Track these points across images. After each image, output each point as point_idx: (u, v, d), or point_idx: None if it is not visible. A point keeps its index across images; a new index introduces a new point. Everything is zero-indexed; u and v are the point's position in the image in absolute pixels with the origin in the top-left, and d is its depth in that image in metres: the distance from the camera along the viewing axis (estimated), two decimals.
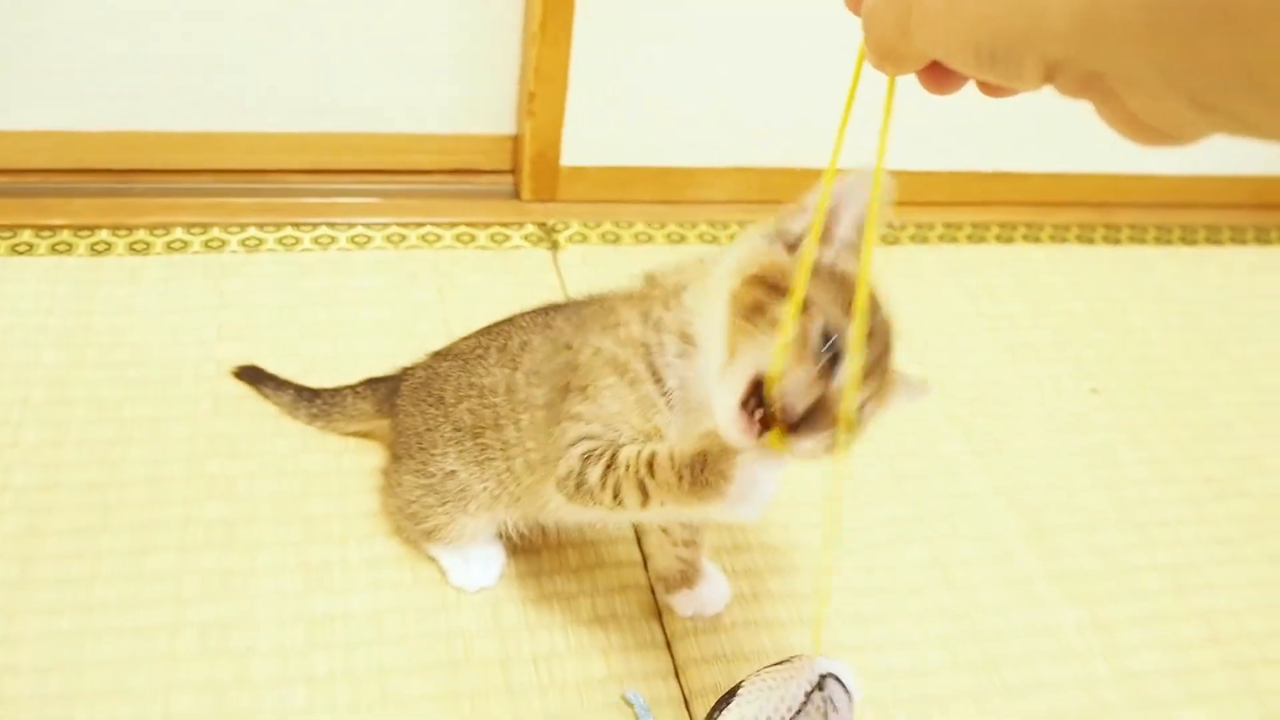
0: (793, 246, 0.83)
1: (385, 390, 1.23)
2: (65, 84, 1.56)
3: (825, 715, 0.87)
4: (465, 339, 1.15)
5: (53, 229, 1.53)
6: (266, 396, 1.31)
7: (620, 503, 0.87)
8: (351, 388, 1.26)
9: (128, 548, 1.14)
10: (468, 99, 1.70)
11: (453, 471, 1.08)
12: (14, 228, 1.53)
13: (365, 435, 1.29)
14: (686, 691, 1.08)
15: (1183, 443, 1.49)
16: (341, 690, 1.04)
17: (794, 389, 0.76)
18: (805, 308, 0.76)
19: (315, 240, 1.59)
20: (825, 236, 0.80)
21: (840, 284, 0.79)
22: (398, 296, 1.51)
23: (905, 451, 1.40)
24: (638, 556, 1.21)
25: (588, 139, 1.70)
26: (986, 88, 0.48)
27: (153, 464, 1.23)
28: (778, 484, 0.82)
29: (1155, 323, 1.71)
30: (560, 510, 1.00)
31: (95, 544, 1.13)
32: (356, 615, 1.11)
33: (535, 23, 1.57)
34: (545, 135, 1.67)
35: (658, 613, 1.15)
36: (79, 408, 1.28)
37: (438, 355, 1.17)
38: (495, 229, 1.67)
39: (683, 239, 1.72)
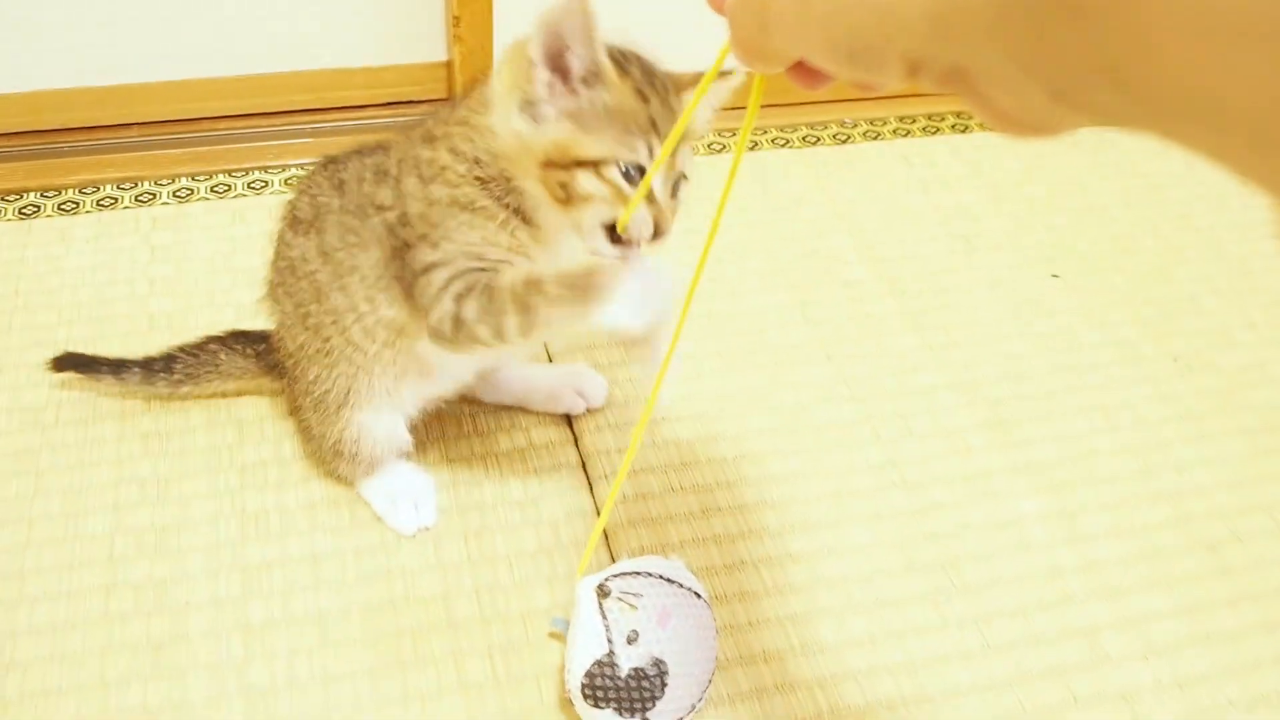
0: (533, 103, 0.87)
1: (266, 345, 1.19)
2: None
3: (631, 608, 0.94)
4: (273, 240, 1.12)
5: None
6: (108, 387, 1.22)
7: (500, 332, 0.91)
8: (219, 340, 1.21)
9: (60, 511, 1.12)
10: (394, 29, 1.65)
11: (316, 377, 1.06)
12: None
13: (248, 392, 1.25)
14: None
15: (1147, 321, 1.45)
16: (280, 637, 1.02)
17: (637, 228, 0.88)
18: (602, 163, 0.86)
19: (249, 186, 1.56)
20: (566, 78, 0.86)
21: (620, 114, 0.86)
22: None
23: (856, 352, 1.36)
24: (585, 482, 1.18)
25: None
26: (857, 85, 0.47)
27: (85, 425, 1.20)
28: (655, 293, 0.91)
29: (1117, 200, 1.67)
30: (440, 367, 1.05)
31: (28, 510, 1.12)
32: (294, 560, 1.09)
33: None
34: (476, 60, 1.62)
35: (606, 543, 1.13)
36: (7, 374, 1.25)
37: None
38: None
39: None
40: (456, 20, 1.57)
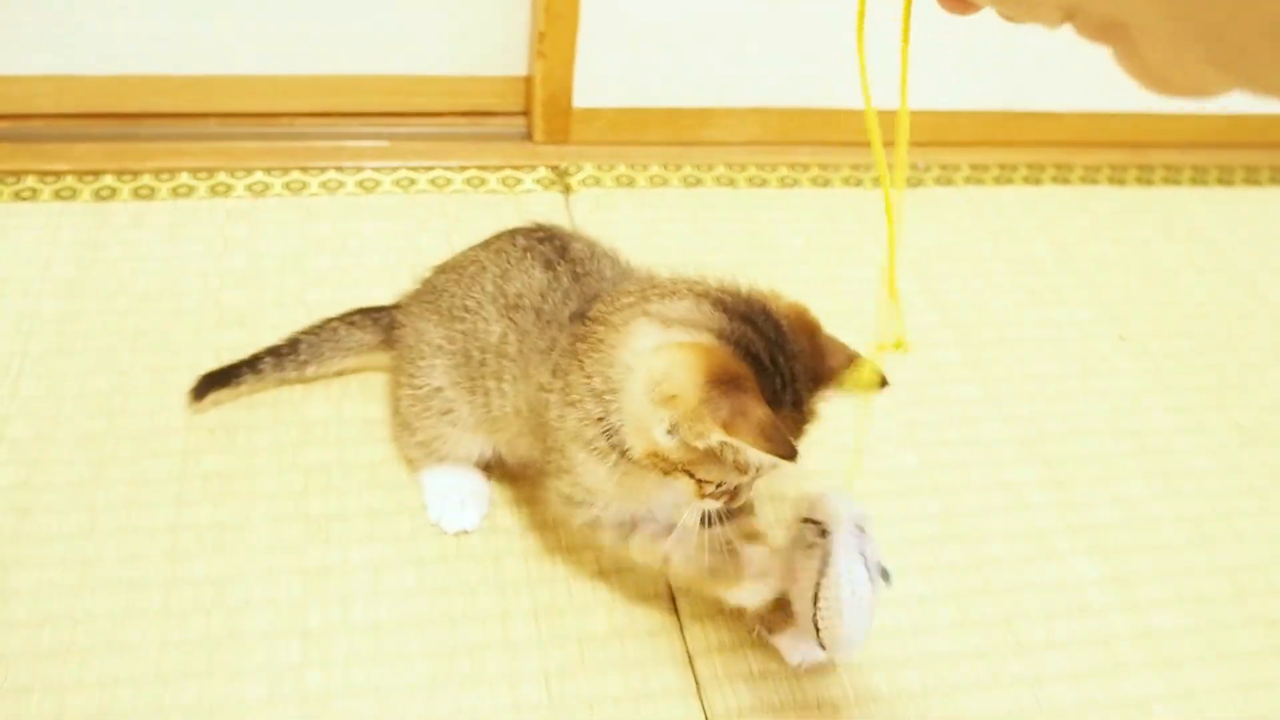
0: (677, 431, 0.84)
1: (388, 320, 1.20)
2: (68, 28, 1.53)
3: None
4: (466, 253, 1.12)
5: (56, 174, 1.51)
6: (244, 388, 1.22)
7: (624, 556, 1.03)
8: (340, 319, 1.23)
9: (124, 501, 1.12)
10: (478, 40, 1.65)
11: (439, 388, 1.06)
12: (17, 173, 1.51)
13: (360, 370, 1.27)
14: (691, 650, 1.06)
15: (1211, 390, 1.44)
16: (337, 644, 1.03)
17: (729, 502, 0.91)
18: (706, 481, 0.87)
19: (323, 185, 1.57)
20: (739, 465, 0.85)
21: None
22: (406, 243, 1.48)
23: (920, 399, 1.36)
24: None
25: (600, 79, 1.65)
26: (1001, 14, 0.46)
27: (151, 415, 1.21)
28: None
29: (1186, 265, 1.66)
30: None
31: (92, 498, 1.12)
32: (354, 567, 1.09)
33: None
34: (557, 76, 1.62)
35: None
36: (78, 358, 1.26)
37: (438, 268, 1.14)
38: (506, 172, 1.64)
39: (698, 181, 1.68)
40: (542, 37, 1.57)
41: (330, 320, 1.23)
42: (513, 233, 1.10)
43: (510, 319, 1.00)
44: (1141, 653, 1.12)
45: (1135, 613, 1.16)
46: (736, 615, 1.06)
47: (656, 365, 0.83)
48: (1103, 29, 0.39)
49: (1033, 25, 0.44)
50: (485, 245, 1.10)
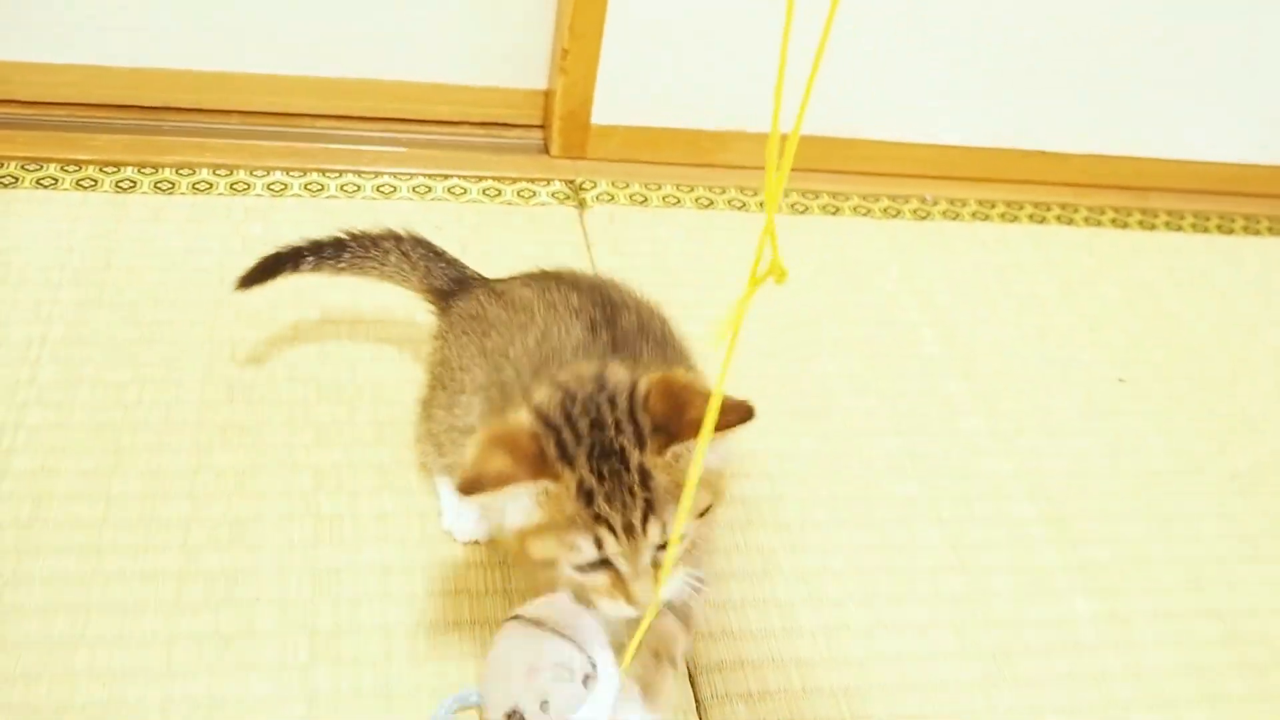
0: None
1: (444, 277, 1.19)
2: (95, 19, 1.54)
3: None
4: (524, 288, 1.10)
5: (78, 164, 1.52)
6: (291, 274, 1.23)
7: None
8: (396, 241, 1.22)
9: (138, 492, 1.13)
10: (500, 52, 1.67)
11: (474, 426, 1.04)
12: (40, 161, 1.52)
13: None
14: (691, 666, 1.07)
15: (1210, 435, 1.46)
16: (346, 645, 1.03)
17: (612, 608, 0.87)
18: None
19: (341, 188, 1.58)
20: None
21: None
22: None
23: (924, 429, 1.38)
24: None
25: (619, 98, 1.67)
26: None
27: (166, 408, 1.22)
28: None
29: (1189, 310, 1.68)
30: None
31: (106, 487, 1.13)
32: (364, 569, 1.10)
33: None
34: (577, 92, 1.64)
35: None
36: (96, 347, 1.27)
37: (493, 291, 1.13)
38: (522, 185, 1.65)
39: (711, 204, 1.70)
40: (565, 53, 1.59)
41: (384, 238, 1.22)
42: (574, 283, 1.09)
43: (537, 372, 0.98)
44: (1133, 691, 1.14)
45: (1129, 651, 1.17)
46: None
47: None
48: None
49: None
50: (543, 288, 1.09)
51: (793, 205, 1.72)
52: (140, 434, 1.19)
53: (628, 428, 0.83)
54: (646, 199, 1.68)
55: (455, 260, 1.22)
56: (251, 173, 1.57)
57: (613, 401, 0.85)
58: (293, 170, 1.58)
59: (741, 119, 1.73)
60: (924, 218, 1.77)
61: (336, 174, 1.59)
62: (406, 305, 1.27)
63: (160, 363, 1.26)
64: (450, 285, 1.19)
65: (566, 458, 0.82)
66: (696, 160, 1.75)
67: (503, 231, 1.56)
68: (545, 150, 1.72)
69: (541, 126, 1.74)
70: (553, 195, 1.65)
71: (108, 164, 1.53)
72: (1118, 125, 1.87)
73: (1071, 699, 1.12)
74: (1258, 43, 1.82)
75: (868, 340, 1.50)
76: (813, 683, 1.08)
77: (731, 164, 1.76)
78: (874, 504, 1.27)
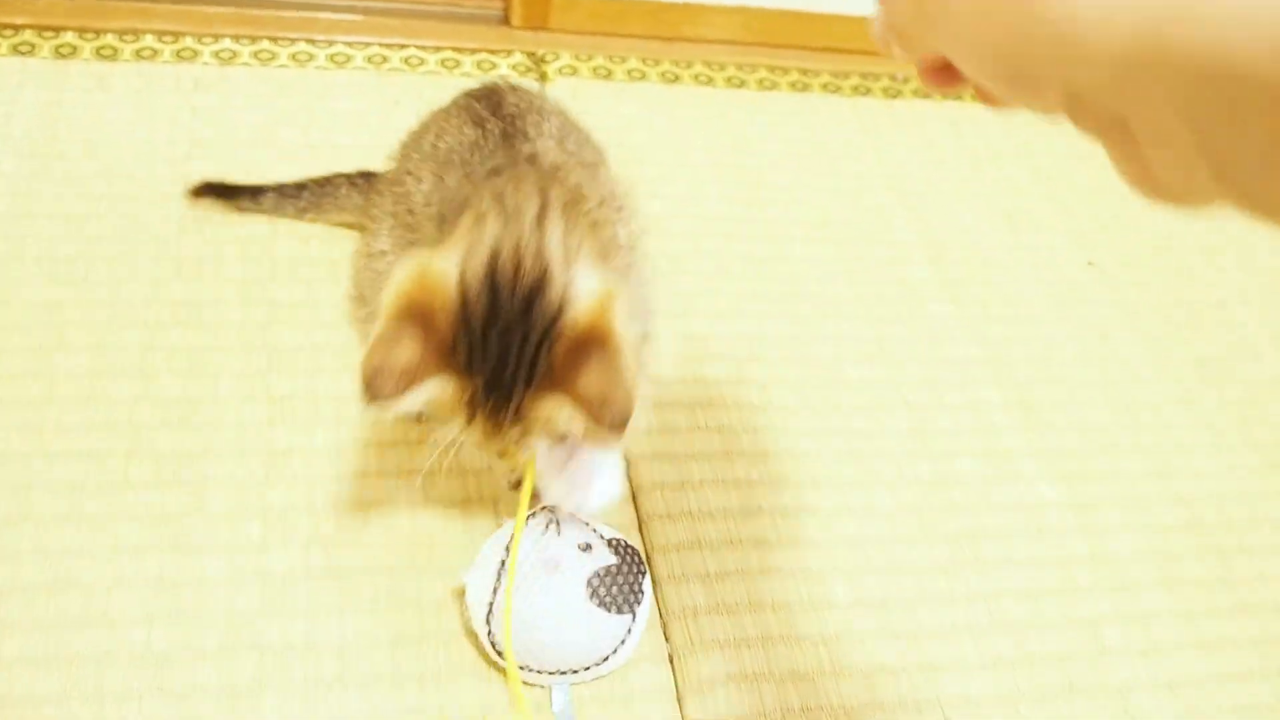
0: None
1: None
2: None
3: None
4: (428, 118, 1.09)
5: (15, 28, 1.45)
6: (244, 210, 1.26)
7: None
8: (347, 177, 1.25)
9: (85, 370, 1.10)
10: None
11: (384, 250, 1.01)
12: None
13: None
14: (664, 612, 1.03)
15: (1177, 323, 1.45)
16: (299, 525, 1.02)
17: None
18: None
19: (293, 57, 1.52)
20: None
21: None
22: (378, 122, 1.44)
23: (892, 315, 1.35)
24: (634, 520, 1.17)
25: None
26: (984, 96, 0.43)
27: (115, 285, 1.18)
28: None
29: None
30: None
31: (51, 364, 1.10)
32: (319, 450, 1.08)
33: None
34: None
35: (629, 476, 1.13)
36: (41, 222, 1.22)
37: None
38: (482, 56, 1.59)
39: (676, 79, 1.65)
40: None
41: (337, 176, 1.25)
42: (463, 92, 1.08)
43: (439, 177, 0.97)
44: (1095, 575, 1.14)
45: (1091, 536, 1.17)
46: None
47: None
48: (1106, 125, 0.36)
49: (1022, 111, 0.41)
50: (444, 108, 1.08)
51: (760, 81, 1.68)
52: (88, 310, 1.15)
53: (524, 367, 0.77)
54: (610, 72, 1.63)
55: None
56: (199, 39, 1.50)
57: (526, 313, 0.77)
58: (242, 38, 1.52)
59: None
60: (894, 96, 1.72)
61: (288, 42, 1.53)
62: None
63: (109, 238, 1.22)
64: None
65: (470, 370, 0.78)
66: (663, 34, 1.69)
67: None
68: (506, 20, 1.66)
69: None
70: (513, 67, 1.59)
71: (46, 28, 1.46)
72: None
73: (1033, 582, 1.12)
74: None
75: (840, 223, 1.47)
76: (771, 563, 1.07)
77: (699, 38, 1.71)
78: (840, 388, 1.26)
